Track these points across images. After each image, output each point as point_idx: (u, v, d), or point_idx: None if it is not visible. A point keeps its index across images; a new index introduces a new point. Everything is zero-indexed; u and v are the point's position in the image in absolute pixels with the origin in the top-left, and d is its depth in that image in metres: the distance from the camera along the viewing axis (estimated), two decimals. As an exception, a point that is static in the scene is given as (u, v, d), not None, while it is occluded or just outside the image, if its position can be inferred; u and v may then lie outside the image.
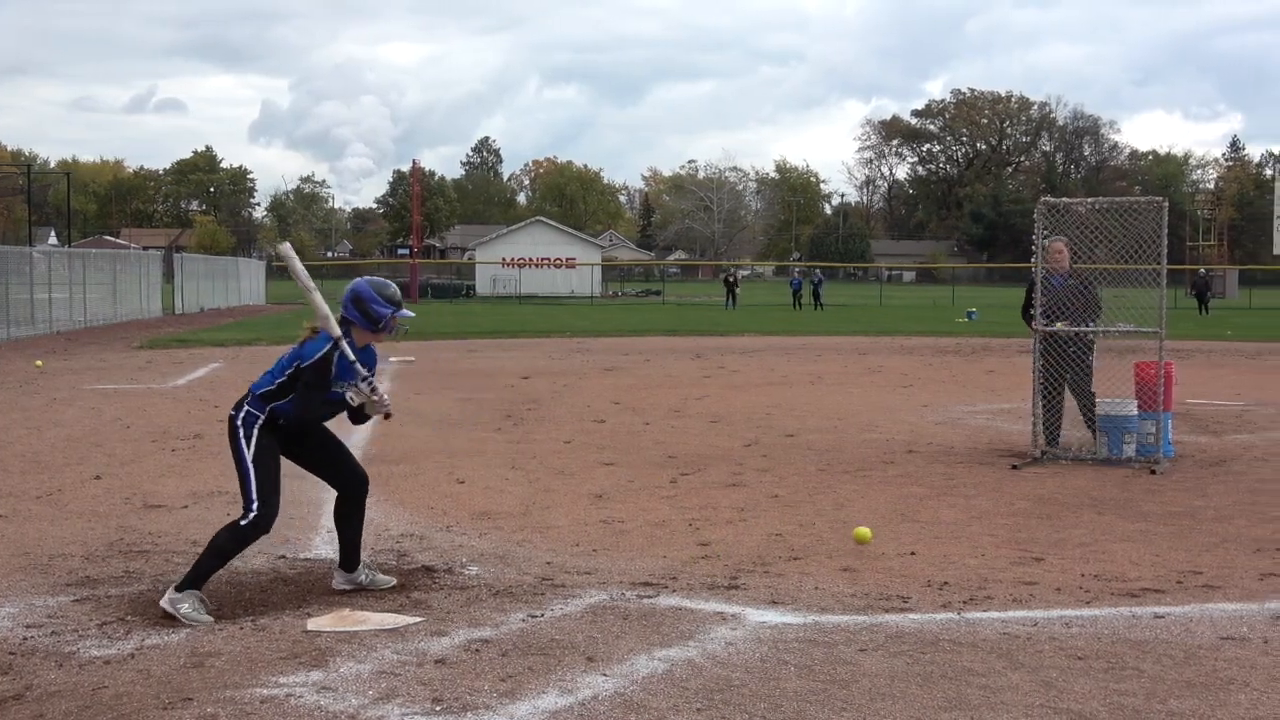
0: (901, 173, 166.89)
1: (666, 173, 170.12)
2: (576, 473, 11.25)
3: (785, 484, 10.69)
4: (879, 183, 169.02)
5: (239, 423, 6.72)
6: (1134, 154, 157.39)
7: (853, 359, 26.41)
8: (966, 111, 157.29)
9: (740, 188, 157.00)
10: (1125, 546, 8.25)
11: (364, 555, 7.25)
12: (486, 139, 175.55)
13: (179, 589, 6.47)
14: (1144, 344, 12.28)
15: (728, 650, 5.88)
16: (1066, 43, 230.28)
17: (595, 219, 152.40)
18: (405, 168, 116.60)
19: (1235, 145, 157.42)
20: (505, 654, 5.79)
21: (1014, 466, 11.53)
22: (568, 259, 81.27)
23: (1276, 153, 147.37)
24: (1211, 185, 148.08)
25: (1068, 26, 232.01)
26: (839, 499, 10.01)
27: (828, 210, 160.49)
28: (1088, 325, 11.97)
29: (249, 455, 6.65)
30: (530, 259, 79.34)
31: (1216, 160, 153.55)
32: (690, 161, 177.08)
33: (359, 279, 6.97)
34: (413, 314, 7.13)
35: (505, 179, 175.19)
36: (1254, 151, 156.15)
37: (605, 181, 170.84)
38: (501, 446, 12.75)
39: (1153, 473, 11.15)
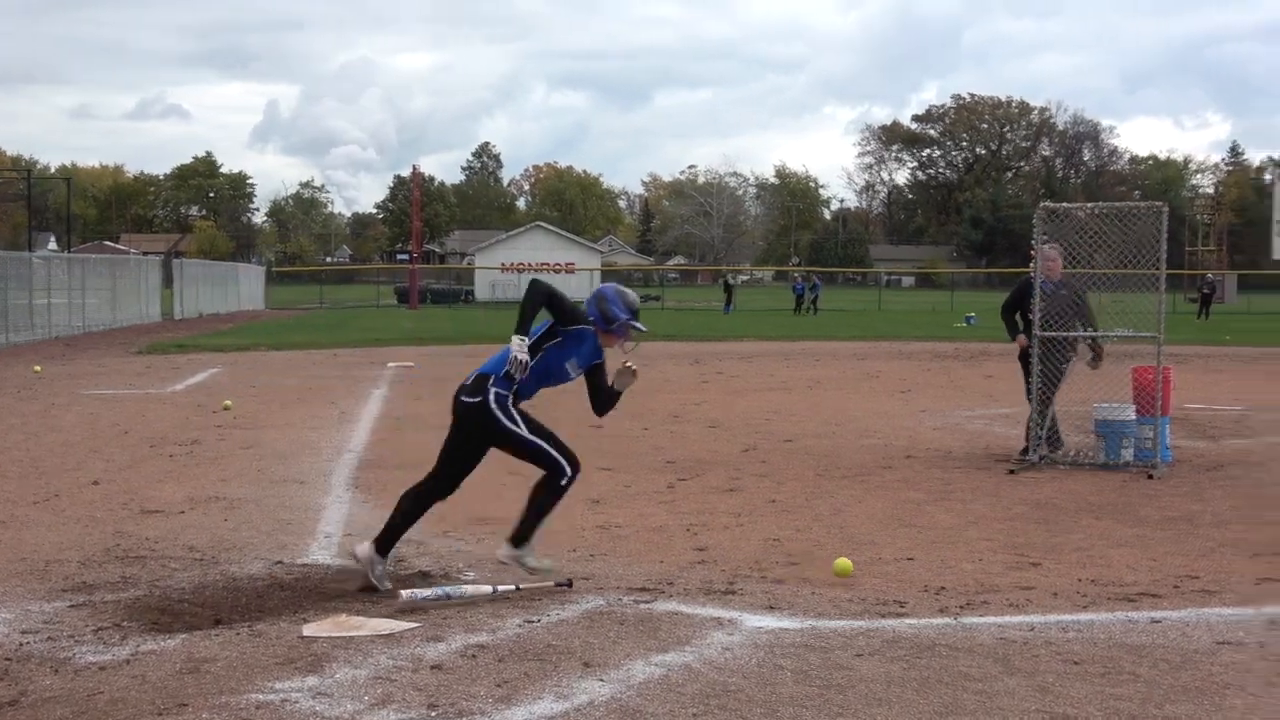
0: (901, 178, 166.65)
1: (666, 178, 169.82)
2: (574, 478, 11.22)
3: (783, 489, 10.69)
4: (878, 188, 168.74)
5: (492, 404, 7.04)
6: (1134, 159, 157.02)
7: (851, 364, 26.41)
8: (967, 116, 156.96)
9: (740, 193, 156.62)
10: (1122, 551, 8.25)
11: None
12: (486, 144, 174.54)
13: (516, 543, 7.00)
14: (1142, 349, 12.28)
15: (724, 656, 5.88)
16: (1059, 53, 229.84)
17: (595, 224, 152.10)
18: (406, 173, 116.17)
19: (1235, 150, 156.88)
20: (501, 659, 5.79)
21: (1010, 471, 11.54)
22: (567, 264, 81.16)
23: (1276, 158, 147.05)
24: (1211, 190, 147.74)
25: (1060, 38, 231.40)
26: (837, 504, 10.01)
27: (827, 215, 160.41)
28: (1073, 331, 12.01)
29: (524, 431, 7.01)
30: (529, 264, 79.19)
31: (1216, 165, 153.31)
32: (690, 167, 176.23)
33: (606, 283, 7.37)
34: (646, 328, 7.38)
35: (505, 184, 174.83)
36: (1254, 156, 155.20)
37: (605, 186, 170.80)
38: (498, 452, 12.72)
39: (1150, 477, 11.15)
